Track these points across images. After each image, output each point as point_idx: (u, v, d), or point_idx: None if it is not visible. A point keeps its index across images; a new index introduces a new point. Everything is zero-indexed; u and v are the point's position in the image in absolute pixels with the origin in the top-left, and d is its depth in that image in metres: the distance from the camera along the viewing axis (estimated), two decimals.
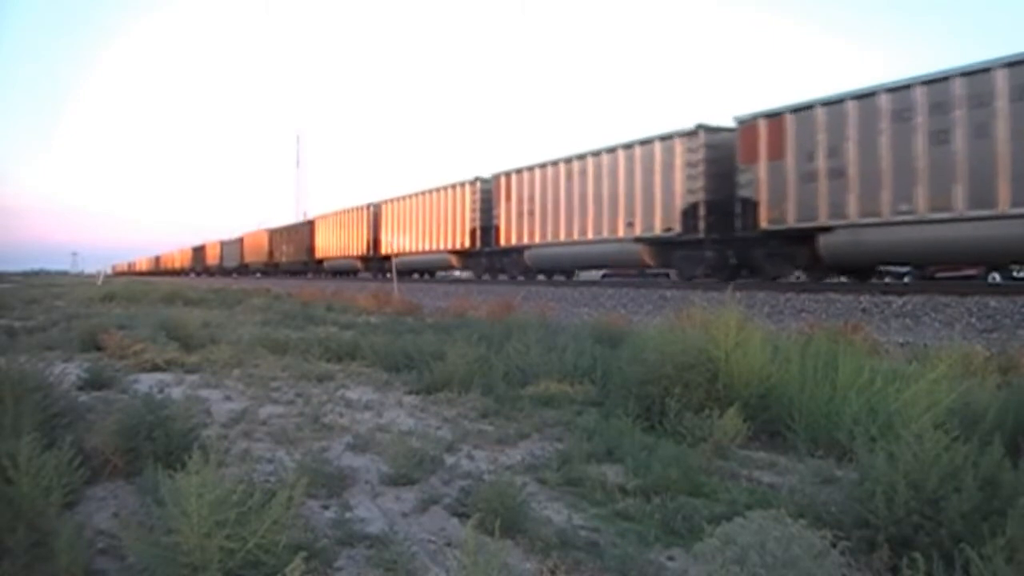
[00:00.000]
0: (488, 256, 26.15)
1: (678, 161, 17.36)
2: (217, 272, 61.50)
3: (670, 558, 2.56)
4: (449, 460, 3.69)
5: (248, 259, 55.07)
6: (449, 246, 27.67)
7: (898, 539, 2.33)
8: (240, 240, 58.52)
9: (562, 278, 23.68)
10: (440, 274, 31.79)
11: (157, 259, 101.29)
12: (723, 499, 3.06)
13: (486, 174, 26.34)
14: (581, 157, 20.99)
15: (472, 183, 26.22)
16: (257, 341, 8.13)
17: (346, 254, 37.10)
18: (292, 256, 45.51)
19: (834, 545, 1.99)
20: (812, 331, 6.82)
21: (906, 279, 15.00)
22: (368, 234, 34.36)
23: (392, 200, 32.45)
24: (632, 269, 22.92)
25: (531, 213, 23.01)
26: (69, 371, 5.09)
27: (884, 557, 2.30)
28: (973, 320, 9.87)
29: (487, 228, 25.74)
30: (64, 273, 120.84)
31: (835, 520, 2.51)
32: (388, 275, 27.04)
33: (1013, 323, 9.38)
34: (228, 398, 5.36)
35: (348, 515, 2.85)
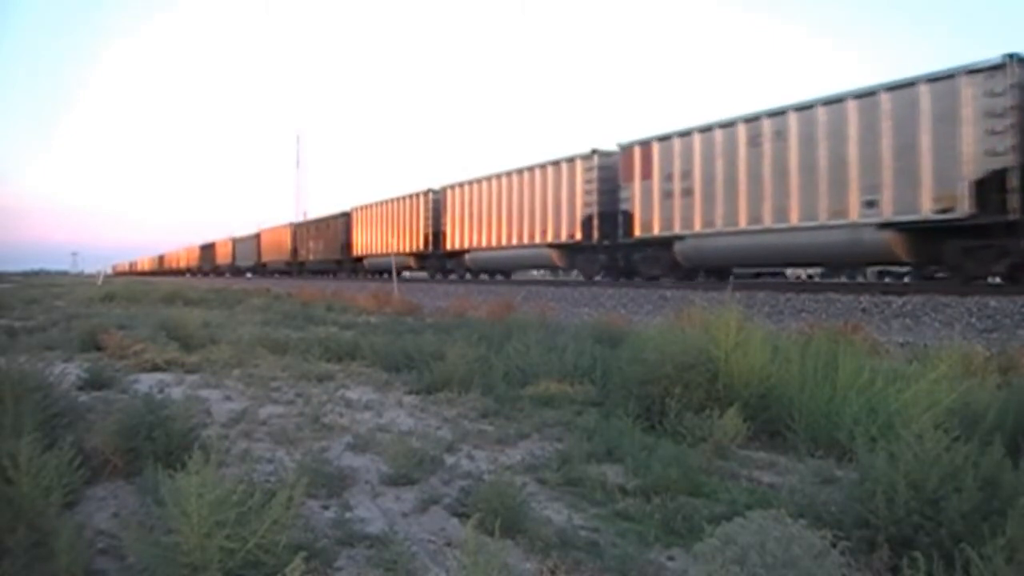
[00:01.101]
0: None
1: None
2: (229, 272, 57.46)
3: (670, 558, 2.56)
4: (449, 460, 3.69)
5: (267, 258, 50.18)
6: (552, 239, 22.09)
7: (898, 539, 2.33)
8: (256, 237, 53.36)
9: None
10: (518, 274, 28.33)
11: (161, 258, 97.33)
12: (723, 499, 3.06)
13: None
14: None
15: (587, 157, 21.17)
16: (257, 341, 8.13)
17: (394, 250, 32.00)
18: (322, 253, 40.76)
19: (834, 545, 1.99)
20: (812, 331, 6.82)
21: (906, 279, 14.97)
22: (426, 226, 29.88)
23: (461, 185, 27.56)
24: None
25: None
26: (69, 371, 5.09)
27: (884, 557, 2.30)
28: (973, 320, 9.86)
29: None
30: (64, 273, 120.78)
31: (835, 520, 2.51)
32: (454, 275, 28.10)
33: (1013, 323, 9.38)
34: (228, 398, 5.36)
35: (348, 515, 2.85)
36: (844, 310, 11.33)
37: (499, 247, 24.74)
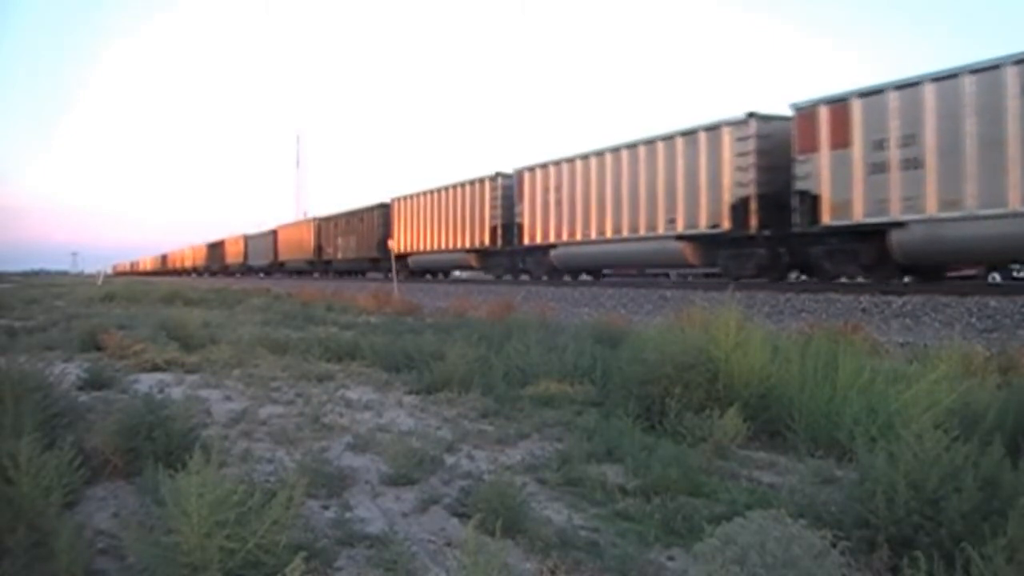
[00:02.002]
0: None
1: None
2: (241, 272, 53.25)
3: (670, 558, 2.56)
4: (449, 460, 3.69)
5: (285, 256, 45.32)
6: (684, 228, 17.08)
7: (898, 539, 2.33)
8: (272, 233, 48.42)
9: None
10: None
11: (164, 258, 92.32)
12: (723, 499, 3.06)
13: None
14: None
15: (740, 123, 16.05)
16: (257, 341, 8.13)
17: (448, 246, 27.12)
18: (354, 251, 35.39)
19: (834, 545, 1.99)
20: (812, 331, 6.82)
21: (906, 279, 14.91)
22: (494, 217, 24.30)
23: (545, 166, 22.11)
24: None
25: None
26: (69, 371, 5.09)
27: (884, 557, 2.30)
28: (973, 320, 9.86)
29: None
30: (64, 273, 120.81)
31: (835, 520, 2.51)
32: (528, 276, 23.31)
33: (1013, 323, 9.38)
34: (228, 398, 5.36)
35: (348, 515, 2.85)
36: (844, 310, 11.33)
37: (607, 240, 19.58)
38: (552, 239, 21.39)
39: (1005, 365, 5.56)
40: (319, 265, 40.56)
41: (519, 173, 23.33)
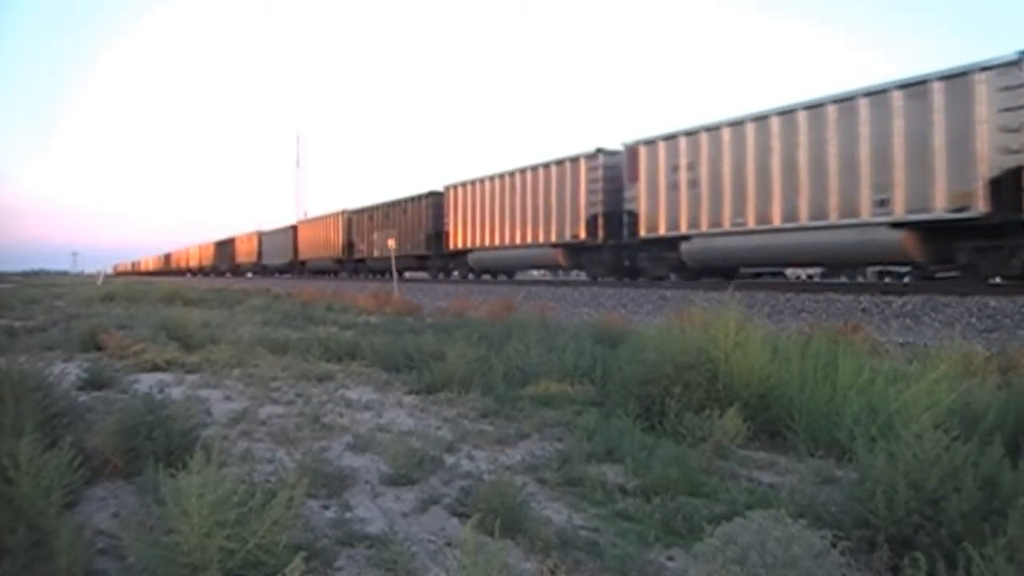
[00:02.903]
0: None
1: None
2: (254, 272, 49.85)
3: (670, 558, 2.56)
4: (449, 460, 3.69)
5: (306, 255, 41.73)
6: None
7: (898, 539, 2.33)
8: (292, 229, 44.69)
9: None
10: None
11: (167, 257, 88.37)
12: (723, 499, 3.06)
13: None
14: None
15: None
16: (257, 341, 8.13)
17: (523, 241, 22.79)
18: (400, 248, 28.55)
19: (834, 545, 1.99)
20: (812, 331, 6.82)
21: (906, 279, 14.89)
22: (592, 203, 19.96)
23: (668, 138, 17.81)
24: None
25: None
26: (69, 371, 5.09)
27: (884, 557, 2.30)
28: (973, 320, 9.86)
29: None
30: (64, 273, 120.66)
31: (835, 520, 2.51)
32: (639, 277, 19.26)
33: (1013, 323, 9.38)
34: (228, 398, 5.36)
35: (348, 515, 2.85)
36: (844, 310, 11.33)
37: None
38: (684, 228, 17.13)
39: (1005, 365, 5.56)
40: (349, 264, 36.14)
41: (632, 148, 18.76)
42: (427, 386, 5.63)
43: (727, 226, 16.10)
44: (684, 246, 17.12)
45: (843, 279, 15.68)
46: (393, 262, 22.89)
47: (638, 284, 18.18)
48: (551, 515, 2.92)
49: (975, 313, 10.02)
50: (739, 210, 15.83)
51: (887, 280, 17.74)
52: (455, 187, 27.12)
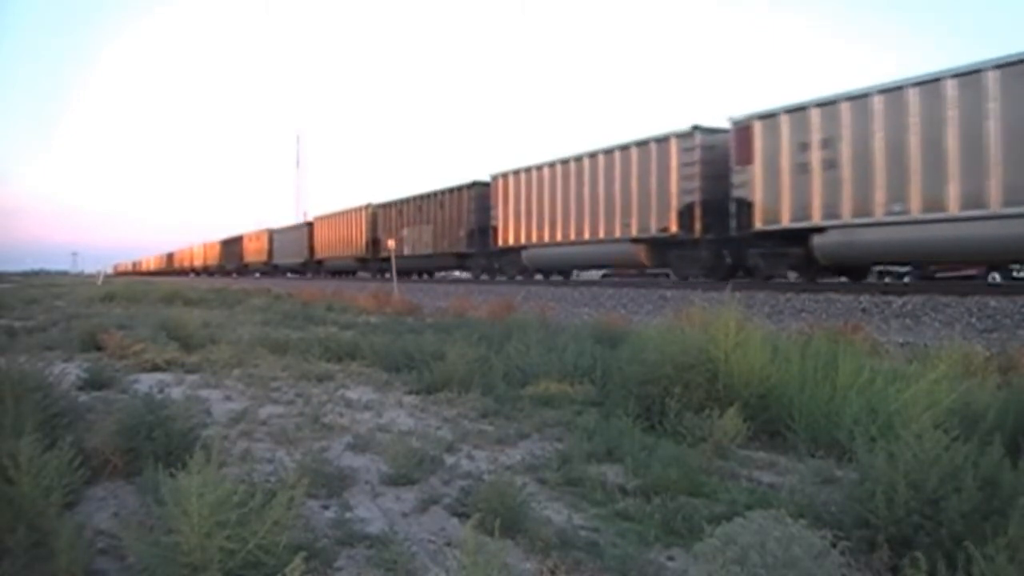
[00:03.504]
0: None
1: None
2: (264, 272, 47.28)
3: (670, 558, 2.56)
4: (449, 460, 3.69)
5: (324, 253, 38.49)
6: None
7: (898, 539, 2.33)
8: (307, 227, 41.84)
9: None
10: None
11: (169, 256, 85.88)
12: (723, 499, 3.06)
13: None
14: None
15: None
16: (257, 341, 8.14)
17: (591, 236, 19.69)
18: (431, 245, 27.61)
19: (834, 545, 1.99)
20: (812, 331, 6.83)
21: (906, 279, 14.90)
22: (685, 192, 16.87)
23: (795, 111, 14.46)
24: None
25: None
26: (69, 371, 5.09)
27: (884, 557, 2.30)
28: (973, 320, 9.86)
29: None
30: (64, 273, 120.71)
31: (835, 520, 2.51)
32: (750, 274, 16.40)
33: (1013, 323, 9.38)
34: (228, 398, 5.36)
35: (348, 515, 2.85)
36: (844, 310, 11.33)
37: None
38: (817, 219, 13.99)
39: (1005, 365, 5.57)
40: (373, 264, 32.62)
41: (743, 125, 15.44)
42: (427, 386, 5.63)
43: (879, 215, 13.08)
44: (816, 239, 14.04)
45: (843, 279, 15.49)
46: (393, 261, 22.46)
47: (638, 284, 18.11)
48: (551, 515, 2.92)
49: (975, 313, 10.02)
50: (897, 195, 12.79)
51: (887, 280, 17.75)
52: (504, 176, 23.55)
